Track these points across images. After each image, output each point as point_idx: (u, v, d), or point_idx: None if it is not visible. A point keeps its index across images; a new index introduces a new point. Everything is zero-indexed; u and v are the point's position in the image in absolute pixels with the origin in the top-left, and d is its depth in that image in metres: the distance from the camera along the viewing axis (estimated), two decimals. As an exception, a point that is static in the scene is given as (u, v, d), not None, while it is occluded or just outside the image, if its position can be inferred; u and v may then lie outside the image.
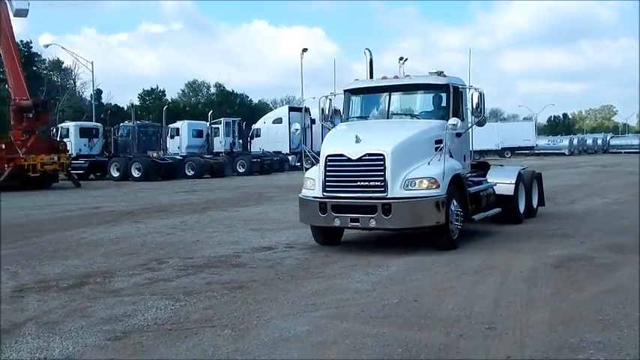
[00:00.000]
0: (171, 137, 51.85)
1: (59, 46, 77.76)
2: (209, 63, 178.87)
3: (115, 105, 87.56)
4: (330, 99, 14.67)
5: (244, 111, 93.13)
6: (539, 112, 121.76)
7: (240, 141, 55.40)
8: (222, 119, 55.51)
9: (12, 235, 16.08)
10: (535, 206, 17.77)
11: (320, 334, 7.24)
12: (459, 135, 13.71)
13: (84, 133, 47.64)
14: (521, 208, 16.59)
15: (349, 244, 13.31)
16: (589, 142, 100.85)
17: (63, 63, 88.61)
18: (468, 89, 14.11)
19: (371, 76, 16.07)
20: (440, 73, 13.87)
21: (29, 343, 7.10)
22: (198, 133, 53.44)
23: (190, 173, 44.57)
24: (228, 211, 21.03)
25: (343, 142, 12.55)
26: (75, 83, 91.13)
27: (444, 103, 13.66)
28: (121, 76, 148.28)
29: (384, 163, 11.88)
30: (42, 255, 12.92)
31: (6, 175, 33.61)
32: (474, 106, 13.48)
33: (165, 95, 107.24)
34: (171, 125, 53.46)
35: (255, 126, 58.12)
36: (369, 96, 14.60)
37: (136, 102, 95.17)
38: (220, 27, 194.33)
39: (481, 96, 13.35)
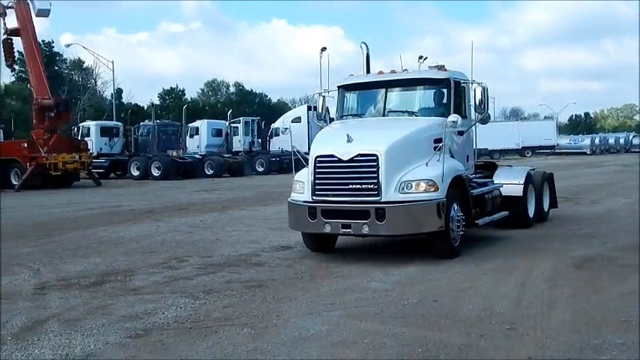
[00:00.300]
0: (191, 136, 52.03)
1: (80, 45, 77.95)
2: (228, 62, 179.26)
3: (135, 104, 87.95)
4: (323, 96, 13.85)
5: (263, 110, 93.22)
6: (561, 111, 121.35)
7: (260, 140, 55.48)
8: (241, 118, 55.54)
9: (34, 233, 16.23)
10: (546, 209, 16.80)
11: (339, 333, 7.23)
12: (461, 133, 12.84)
13: (104, 132, 47.93)
14: (531, 211, 15.59)
15: (367, 244, 13.22)
16: (611, 141, 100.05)
17: (84, 62, 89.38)
18: (470, 84, 13.18)
19: (368, 72, 15.01)
20: (440, 67, 13.10)
21: (51, 340, 7.15)
22: (218, 133, 53.56)
23: (210, 172, 44.75)
24: (248, 210, 21.08)
25: (334, 141, 11.71)
26: (96, 83, 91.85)
27: (444, 100, 12.75)
28: (141, 75, 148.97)
29: (378, 164, 11.04)
30: (63, 253, 13.02)
31: (28, 174, 33.90)
32: (477, 102, 12.68)
33: (184, 94, 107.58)
34: (190, 124, 53.64)
35: (274, 125, 58.20)
36: (364, 92, 13.67)
37: (156, 101, 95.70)
38: (239, 26, 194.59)
39: (484, 91, 12.56)
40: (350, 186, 11.25)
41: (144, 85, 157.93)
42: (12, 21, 37.37)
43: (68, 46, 79.16)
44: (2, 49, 38.53)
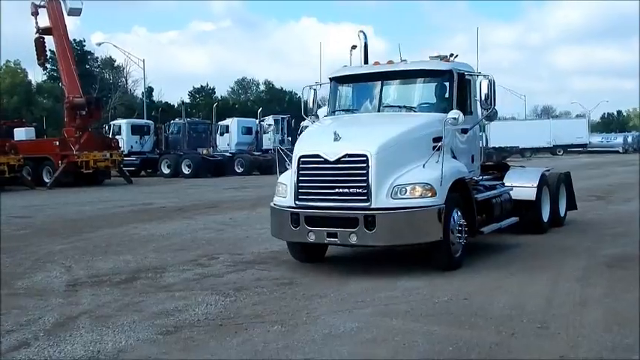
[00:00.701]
0: (221, 134, 52.16)
1: (111, 44, 78.88)
2: (258, 60, 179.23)
3: (166, 102, 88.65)
4: (314, 89, 12.68)
5: (293, 108, 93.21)
6: (593, 109, 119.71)
7: (290, 138, 55.51)
8: (271, 116, 55.65)
9: (66, 230, 16.40)
10: (563, 213, 15.50)
11: (369, 331, 7.22)
12: (464, 131, 11.72)
13: (135, 130, 48.24)
14: (545, 215, 14.36)
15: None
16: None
17: (115, 61, 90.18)
18: (476, 77, 11.96)
19: (366, 63, 13.37)
20: (443, 58, 11.98)
21: (83, 337, 7.22)
22: (248, 131, 53.67)
23: (239, 170, 44.88)
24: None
25: (320, 140, 10.66)
26: (126, 81, 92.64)
27: (446, 94, 11.57)
28: (172, 74, 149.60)
29: (367, 165, 9.92)
30: (95, 250, 13.14)
31: (60, 172, 34.25)
32: (483, 97, 11.45)
33: (214, 93, 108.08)
34: (220, 122, 53.80)
35: (303, 123, 58.16)
36: (359, 85, 12.45)
37: (186, 99, 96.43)
38: (269, 24, 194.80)
39: (491, 84, 11.37)
40: (337, 190, 10.16)
41: (174, 84, 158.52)
42: (44, 20, 37.80)
43: (99, 44, 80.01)
44: (35, 48, 38.99)
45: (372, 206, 9.89)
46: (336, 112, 12.29)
